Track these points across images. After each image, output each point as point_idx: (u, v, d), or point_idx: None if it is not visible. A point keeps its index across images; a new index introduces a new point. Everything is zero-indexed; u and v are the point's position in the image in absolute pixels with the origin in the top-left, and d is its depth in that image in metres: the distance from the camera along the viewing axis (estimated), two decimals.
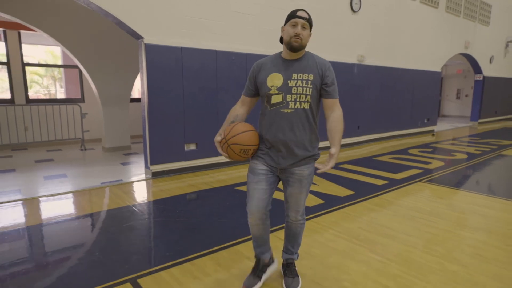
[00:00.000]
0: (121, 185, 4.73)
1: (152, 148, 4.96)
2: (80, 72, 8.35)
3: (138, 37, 4.75)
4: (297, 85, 1.92)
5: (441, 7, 10.10)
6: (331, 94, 1.98)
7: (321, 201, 3.94)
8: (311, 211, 3.59)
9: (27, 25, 6.14)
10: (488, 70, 13.34)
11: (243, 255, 2.65)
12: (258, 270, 2.22)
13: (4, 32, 7.25)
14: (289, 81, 1.93)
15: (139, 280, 2.29)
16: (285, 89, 1.93)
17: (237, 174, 5.33)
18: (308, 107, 1.96)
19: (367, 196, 4.17)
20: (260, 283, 2.20)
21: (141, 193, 4.50)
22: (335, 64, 6.86)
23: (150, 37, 4.75)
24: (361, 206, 3.84)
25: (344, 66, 7.44)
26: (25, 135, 7.56)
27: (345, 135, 7.63)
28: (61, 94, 10.29)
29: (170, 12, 4.90)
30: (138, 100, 9.24)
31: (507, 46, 14.29)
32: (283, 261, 2.32)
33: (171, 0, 4.89)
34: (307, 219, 3.17)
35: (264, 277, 2.23)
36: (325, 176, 5.02)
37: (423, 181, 4.91)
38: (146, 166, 5.13)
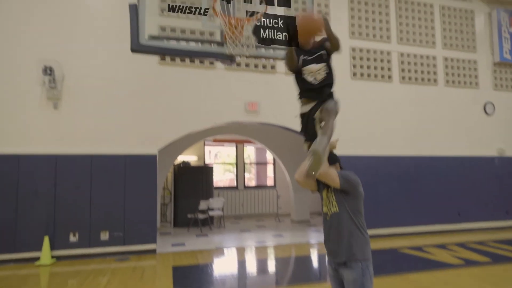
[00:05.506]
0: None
1: None
2: (274, 167, 12.30)
3: None
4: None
5: None
6: None
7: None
8: None
9: (253, 141, 10.30)
10: None
11: None
12: None
13: (236, 145, 11.87)
14: None
15: None
16: None
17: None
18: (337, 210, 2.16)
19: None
20: None
21: None
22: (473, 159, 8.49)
23: None
24: None
25: (482, 159, 8.97)
26: (239, 209, 11.54)
27: (447, 222, 8.32)
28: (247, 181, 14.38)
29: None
30: None
31: None
32: None
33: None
34: None
35: None
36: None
37: None
38: None
